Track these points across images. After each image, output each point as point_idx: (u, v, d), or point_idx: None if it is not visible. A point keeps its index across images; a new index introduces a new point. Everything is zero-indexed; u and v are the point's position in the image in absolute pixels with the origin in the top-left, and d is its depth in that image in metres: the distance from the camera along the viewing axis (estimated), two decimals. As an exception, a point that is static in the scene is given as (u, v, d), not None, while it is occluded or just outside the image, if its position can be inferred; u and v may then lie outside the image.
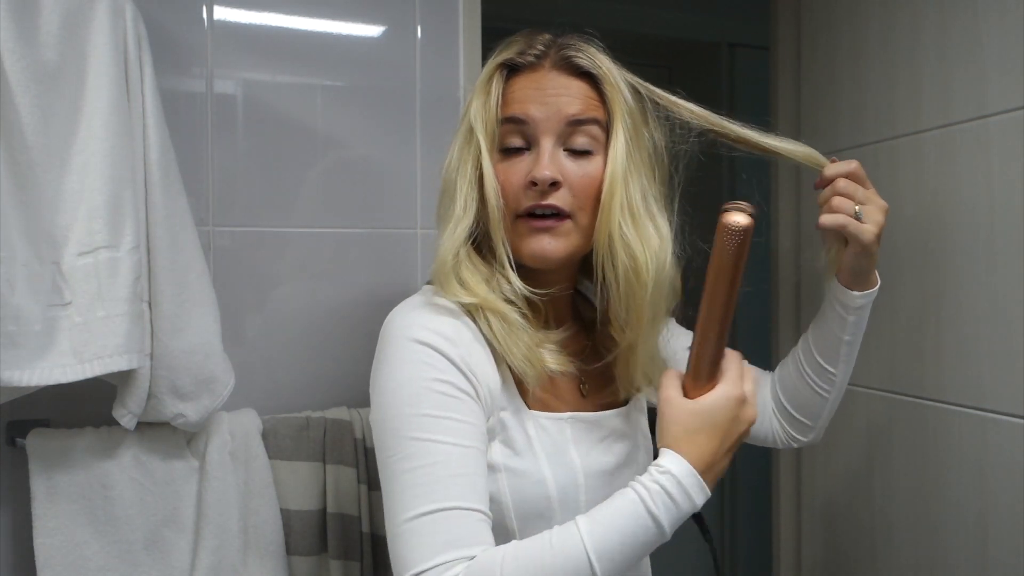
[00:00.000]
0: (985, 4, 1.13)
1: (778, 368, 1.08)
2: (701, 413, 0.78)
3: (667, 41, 2.54)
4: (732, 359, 0.81)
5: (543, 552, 0.71)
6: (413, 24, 1.29)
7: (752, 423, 0.80)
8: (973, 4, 1.15)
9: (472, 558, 0.71)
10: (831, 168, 0.95)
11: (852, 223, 0.92)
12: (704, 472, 0.75)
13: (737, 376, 0.80)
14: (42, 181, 0.92)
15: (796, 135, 1.53)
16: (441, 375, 0.78)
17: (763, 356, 1.06)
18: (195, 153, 1.17)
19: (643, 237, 0.83)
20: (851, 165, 0.94)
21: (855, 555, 1.40)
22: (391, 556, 0.75)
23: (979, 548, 1.15)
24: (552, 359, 0.85)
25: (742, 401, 0.79)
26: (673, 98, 0.91)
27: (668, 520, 0.73)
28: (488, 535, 0.74)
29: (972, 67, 1.15)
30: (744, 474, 2.53)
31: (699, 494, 0.75)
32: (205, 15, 1.17)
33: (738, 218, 0.76)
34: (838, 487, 1.45)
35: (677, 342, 1.03)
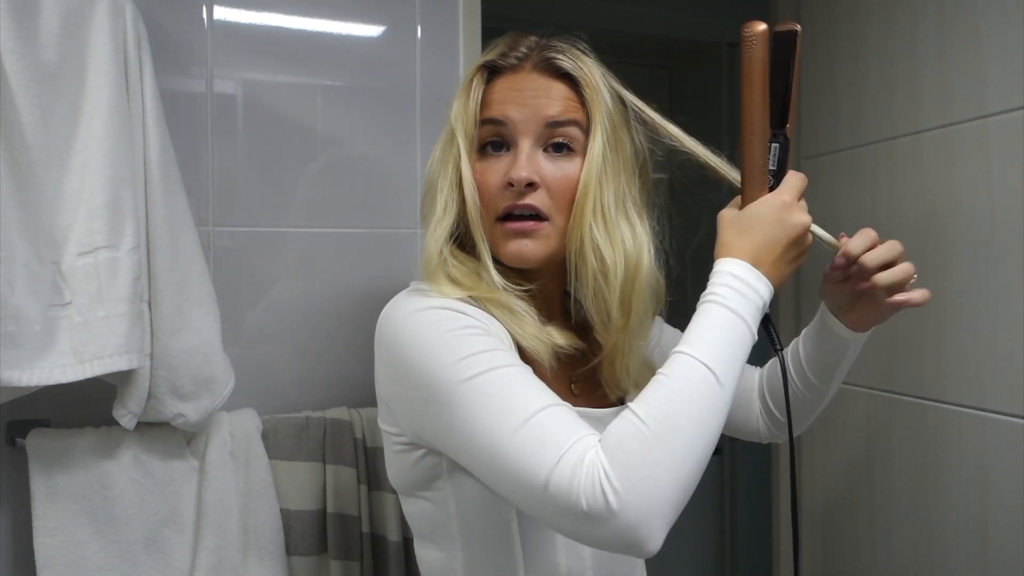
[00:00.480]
0: (985, 4, 1.13)
1: (766, 372, 1.08)
2: (743, 217, 0.81)
3: (667, 41, 2.54)
4: (791, 174, 0.84)
5: (668, 391, 0.70)
6: (413, 24, 1.29)
7: (803, 226, 0.81)
8: (973, 4, 1.15)
9: (594, 434, 0.70)
10: (858, 245, 0.87)
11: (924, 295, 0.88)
12: (757, 265, 0.77)
13: (789, 187, 0.83)
14: (42, 181, 0.92)
15: (796, 135, 1.54)
16: (464, 322, 0.78)
17: (763, 354, 1.06)
18: (195, 153, 1.17)
19: (613, 239, 0.83)
20: (871, 234, 0.88)
21: (855, 555, 1.40)
22: (505, 484, 0.71)
23: (979, 548, 1.15)
24: (559, 335, 0.85)
25: (787, 206, 0.81)
26: (651, 112, 0.90)
27: (748, 314, 0.75)
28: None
29: (972, 67, 1.15)
30: (744, 474, 2.53)
31: (761, 285, 0.77)
32: (205, 15, 1.17)
33: (753, 26, 0.81)
34: (838, 487, 1.45)
35: (669, 344, 1.03)
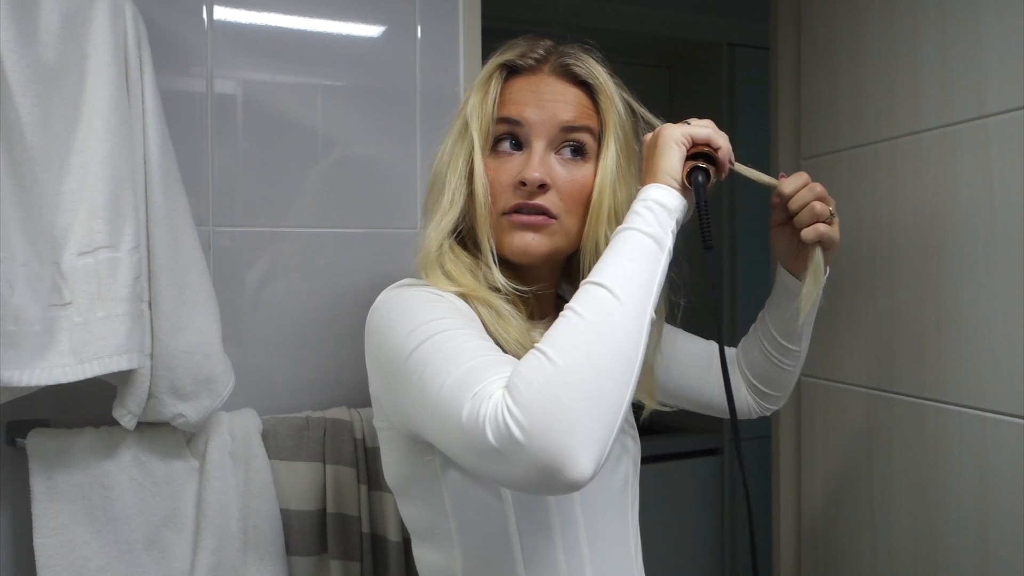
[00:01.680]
0: (985, 4, 1.13)
1: (740, 350, 1.10)
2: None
3: (667, 41, 2.55)
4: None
5: (564, 319, 0.69)
6: (413, 24, 1.29)
7: (661, 131, 0.83)
8: (973, 4, 1.15)
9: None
10: (790, 185, 0.94)
11: (833, 230, 0.95)
12: (645, 182, 0.80)
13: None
14: (42, 181, 0.92)
15: (796, 135, 1.54)
16: (438, 295, 0.80)
17: (740, 334, 1.07)
18: (195, 153, 1.17)
19: None
20: (804, 176, 0.95)
21: (855, 555, 1.40)
22: (440, 434, 0.71)
23: (979, 548, 1.15)
24: None
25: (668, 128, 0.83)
26: (657, 123, 0.92)
27: (641, 223, 0.75)
28: None
29: (972, 67, 1.15)
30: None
31: (645, 192, 0.78)
32: (205, 15, 1.18)
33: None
34: (838, 487, 1.45)
35: (685, 345, 1.06)
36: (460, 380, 0.69)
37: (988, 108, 1.13)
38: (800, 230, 0.93)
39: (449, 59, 1.31)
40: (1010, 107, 1.10)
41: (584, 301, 0.70)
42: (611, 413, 0.65)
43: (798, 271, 0.99)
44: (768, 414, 1.12)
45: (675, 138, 0.81)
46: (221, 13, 1.18)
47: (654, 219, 0.76)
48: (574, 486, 0.63)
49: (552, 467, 0.62)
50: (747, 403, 1.09)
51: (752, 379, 1.08)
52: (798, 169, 1.52)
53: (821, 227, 0.93)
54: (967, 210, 1.17)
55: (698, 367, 1.06)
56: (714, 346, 1.09)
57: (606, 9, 2.30)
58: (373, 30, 1.28)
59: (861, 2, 1.36)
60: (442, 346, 0.72)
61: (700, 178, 0.80)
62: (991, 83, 1.13)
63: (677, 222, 0.78)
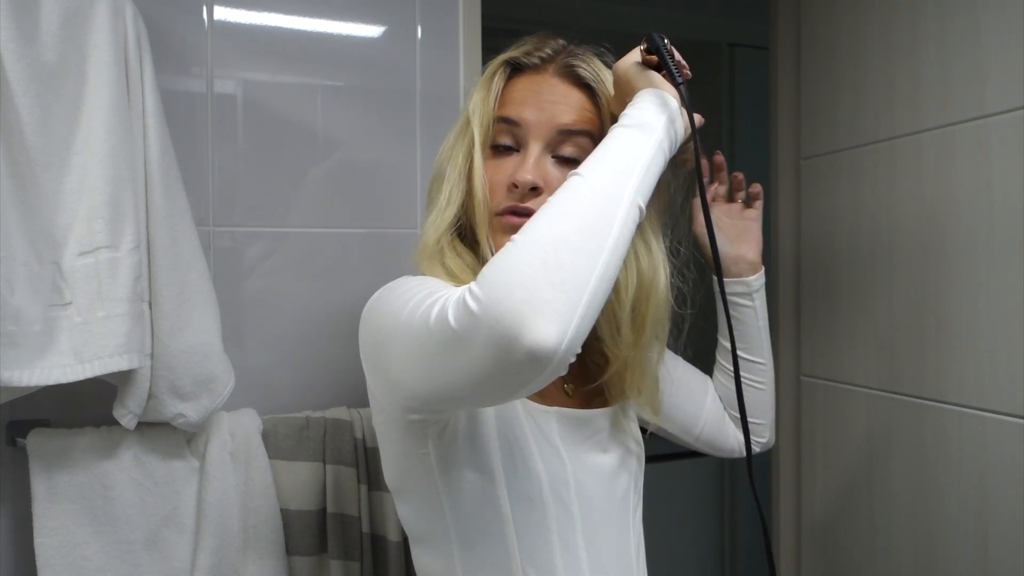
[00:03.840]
0: (985, 4, 1.13)
1: (712, 387, 1.10)
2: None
3: (667, 41, 2.54)
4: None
5: (539, 211, 0.67)
6: (413, 24, 1.29)
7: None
8: (973, 4, 1.15)
9: None
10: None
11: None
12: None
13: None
14: (42, 181, 0.92)
15: (796, 135, 1.54)
16: (435, 281, 0.78)
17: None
18: (195, 153, 1.17)
19: (627, 257, 0.83)
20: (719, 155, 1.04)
21: (855, 555, 1.40)
22: (407, 359, 0.71)
23: (979, 548, 1.15)
24: None
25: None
26: None
27: (628, 119, 0.74)
28: None
29: (971, 67, 1.15)
30: (744, 474, 2.53)
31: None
32: (205, 15, 1.18)
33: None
34: (837, 486, 1.45)
35: (683, 373, 1.06)
36: (431, 293, 0.69)
37: (988, 108, 1.13)
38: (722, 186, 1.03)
39: (449, 59, 1.31)
40: (1010, 107, 1.10)
41: (557, 191, 0.68)
42: (575, 284, 0.61)
43: (742, 271, 1.02)
44: (760, 449, 1.10)
45: (629, 62, 0.82)
46: (221, 13, 1.18)
47: (635, 112, 0.75)
48: (534, 356, 0.59)
49: (507, 336, 0.59)
50: (737, 441, 1.09)
51: (731, 411, 1.07)
52: (798, 170, 1.52)
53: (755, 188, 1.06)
54: (966, 210, 1.17)
55: (691, 397, 1.06)
56: (708, 382, 1.09)
57: (606, 9, 2.30)
58: (373, 30, 1.28)
59: (861, 2, 1.36)
60: (419, 292, 0.71)
61: (655, 38, 0.81)
62: (991, 83, 1.13)
63: (668, 115, 0.76)
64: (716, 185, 1.12)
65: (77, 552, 1.02)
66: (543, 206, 0.67)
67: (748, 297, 1.04)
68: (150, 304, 1.01)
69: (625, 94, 0.81)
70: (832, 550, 1.47)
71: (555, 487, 0.83)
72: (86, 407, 1.07)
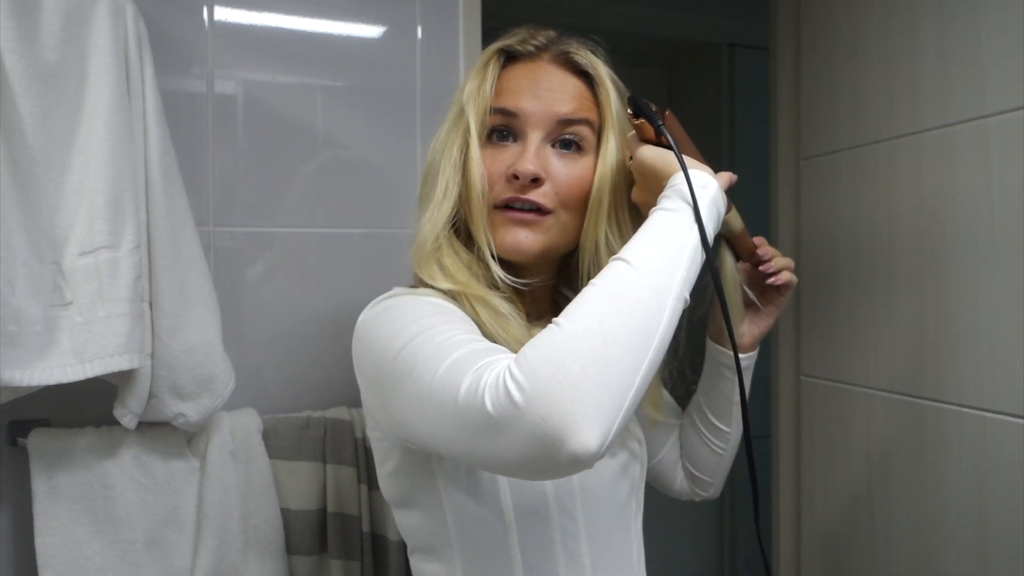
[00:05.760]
0: (985, 4, 1.13)
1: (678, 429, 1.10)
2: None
3: (667, 41, 2.55)
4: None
5: (582, 295, 0.65)
6: (413, 24, 1.30)
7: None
8: (972, 4, 1.15)
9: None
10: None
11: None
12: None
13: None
14: (43, 181, 0.93)
15: (795, 135, 1.54)
16: (419, 299, 0.77)
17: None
18: (195, 153, 1.17)
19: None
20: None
21: (855, 554, 1.40)
22: (433, 427, 0.67)
23: (979, 548, 1.15)
24: None
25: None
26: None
27: (666, 203, 0.72)
28: None
29: (971, 67, 1.16)
30: (744, 475, 2.53)
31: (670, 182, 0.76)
32: (205, 15, 1.18)
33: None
34: (837, 486, 1.45)
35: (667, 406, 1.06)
36: (459, 361, 0.65)
37: (987, 108, 1.13)
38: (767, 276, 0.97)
39: (449, 59, 1.31)
40: (1009, 107, 1.10)
41: (602, 275, 0.66)
42: (622, 385, 0.59)
43: (746, 346, 0.99)
44: (699, 499, 1.10)
45: (638, 150, 0.81)
46: (221, 13, 1.18)
47: (679, 197, 0.72)
48: (577, 461, 0.57)
49: (552, 436, 0.56)
50: (681, 484, 1.08)
51: (685, 462, 1.07)
52: (798, 170, 1.52)
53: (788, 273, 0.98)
54: (966, 210, 1.17)
55: (664, 427, 1.05)
56: (678, 425, 1.08)
57: (606, 9, 2.30)
58: (373, 30, 1.28)
59: (861, 2, 1.36)
60: (432, 339, 0.69)
61: (636, 100, 0.80)
62: (990, 83, 1.13)
63: (712, 200, 0.73)
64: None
65: (78, 552, 1.02)
66: (588, 290, 0.65)
67: (732, 371, 0.98)
68: (151, 304, 1.01)
69: (649, 181, 0.79)
70: (832, 550, 1.47)
71: (560, 498, 0.82)
72: (87, 407, 1.07)
